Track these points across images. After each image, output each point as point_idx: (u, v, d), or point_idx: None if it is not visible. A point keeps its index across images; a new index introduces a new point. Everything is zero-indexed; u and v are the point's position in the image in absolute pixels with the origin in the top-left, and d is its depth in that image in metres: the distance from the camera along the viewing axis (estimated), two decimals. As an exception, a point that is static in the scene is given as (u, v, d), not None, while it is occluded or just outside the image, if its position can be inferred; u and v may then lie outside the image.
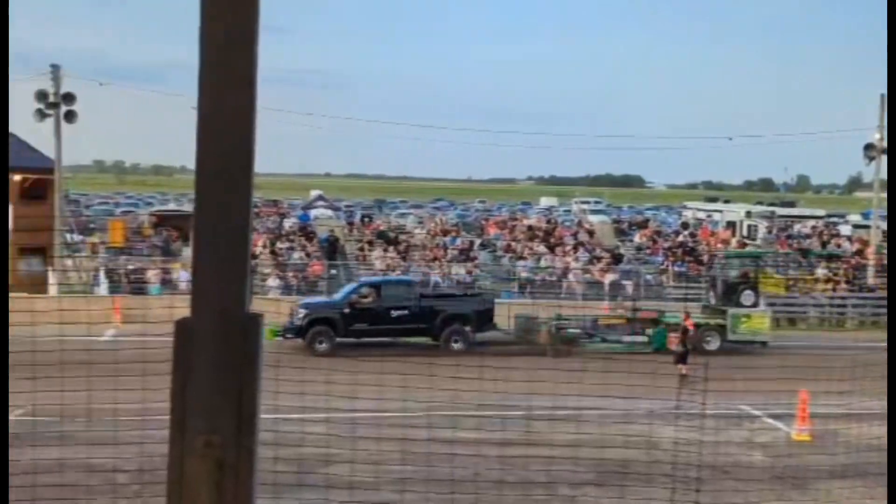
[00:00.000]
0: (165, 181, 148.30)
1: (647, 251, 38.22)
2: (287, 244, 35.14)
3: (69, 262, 32.03)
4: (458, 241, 37.19)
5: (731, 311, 26.57)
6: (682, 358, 20.57)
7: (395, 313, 25.05)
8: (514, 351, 24.12)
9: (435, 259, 34.82)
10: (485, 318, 25.93)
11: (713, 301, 27.98)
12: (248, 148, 2.79)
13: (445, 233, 38.77)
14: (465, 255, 35.63)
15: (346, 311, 24.90)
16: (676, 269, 35.42)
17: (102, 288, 28.95)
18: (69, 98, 31.38)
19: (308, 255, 34.04)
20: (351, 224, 42.01)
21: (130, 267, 31.69)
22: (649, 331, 25.98)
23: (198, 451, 2.74)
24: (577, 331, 25.77)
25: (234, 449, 2.77)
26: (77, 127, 31.77)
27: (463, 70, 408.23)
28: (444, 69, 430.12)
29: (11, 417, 14.94)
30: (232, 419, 2.76)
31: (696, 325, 24.88)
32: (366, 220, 43.52)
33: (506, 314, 26.28)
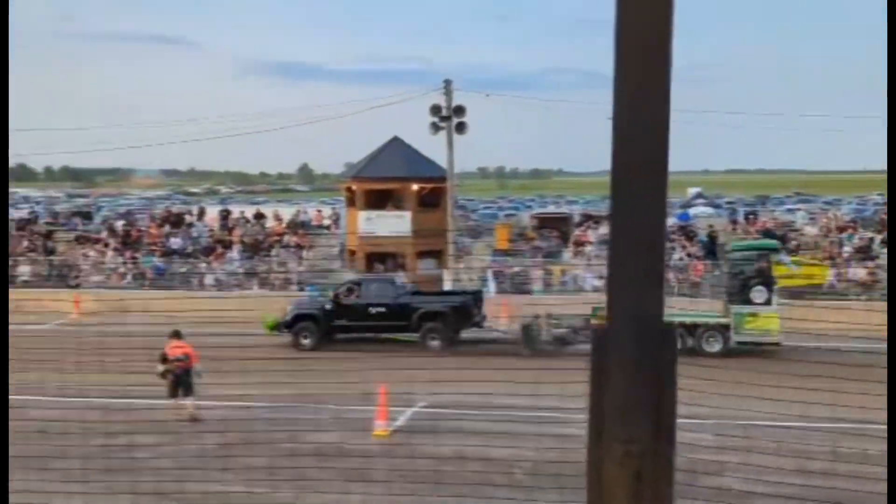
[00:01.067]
0: (543, 184, 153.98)
1: None
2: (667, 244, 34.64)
3: (460, 263, 34.29)
4: (856, 239, 34.24)
5: (735, 309, 23.56)
6: None
7: (373, 310, 24.98)
8: (489, 350, 23.05)
9: (829, 258, 32.36)
10: (463, 316, 24.88)
11: (724, 297, 24.80)
12: (662, 151, 2.72)
13: (841, 230, 35.90)
14: (865, 253, 32.69)
15: (328, 307, 25.45)
16: None
17: (490, 288, 30.59)
18: (460, 111, 33.60)
19: (689, 255, 33.31)
20: (734, 222, 40.43)
21: (515, 269, 33.19)
22: None
23: (616, 459, 2.72)
24: (564, 330, 23.41)
25: (651, 458, 2.72)
26: (466, 137, 33.92)
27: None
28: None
29: (417, 409, 16.50)
30: (649, 428, 2.71)
31: (696, 325, 23.12)
32: (750, 217, 41.75)
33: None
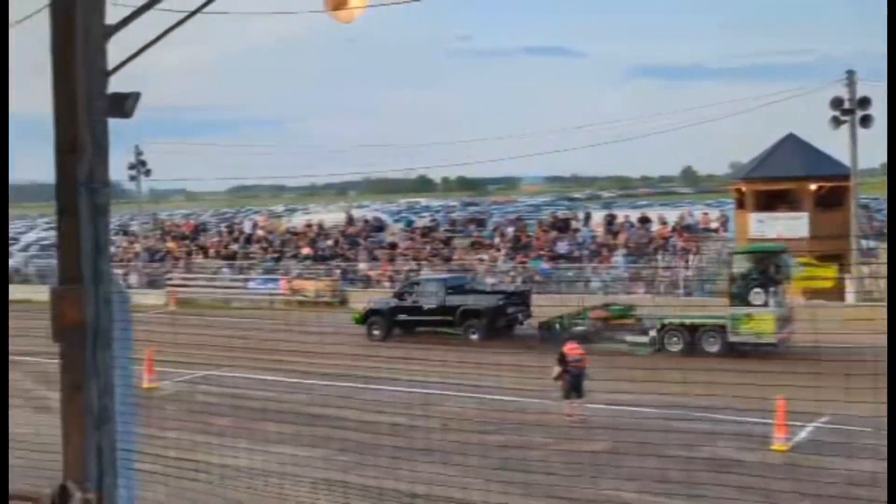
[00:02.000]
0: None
1: None
2: None
3: (865, 269, 31.29)
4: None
5: (731, 311, 23.97)
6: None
7: (425, 307, 28.44)
8: (513, 344, 25.04)
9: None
10: (498, 314, 27.73)
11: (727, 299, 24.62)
12: None
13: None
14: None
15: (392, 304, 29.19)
16: None
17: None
18: (864, 102, 30.73)
19: None
20: None
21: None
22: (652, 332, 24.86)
23: None
24: (583, 328, 25.63)
25: None
26: (870, 131, 30.93)
27: None
28: None
29: (815, 425, 15.20)
30: None
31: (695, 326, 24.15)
32: None
33: None
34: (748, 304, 23.63)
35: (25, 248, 56.07)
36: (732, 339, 23.62)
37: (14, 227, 78.62)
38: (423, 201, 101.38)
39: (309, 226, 46.64)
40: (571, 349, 17.26)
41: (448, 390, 16.35)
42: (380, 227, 46.29)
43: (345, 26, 5.55)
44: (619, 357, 20.02)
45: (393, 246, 40.90)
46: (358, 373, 18.73)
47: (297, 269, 39.93)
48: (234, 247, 44.45)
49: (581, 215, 42.81)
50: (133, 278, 41.84)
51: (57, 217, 5.14)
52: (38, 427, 8.16)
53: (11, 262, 48.94)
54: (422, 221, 51.34)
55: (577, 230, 39.16)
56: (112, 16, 5.21)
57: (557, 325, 26.03)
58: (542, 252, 36.62)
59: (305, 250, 42.03)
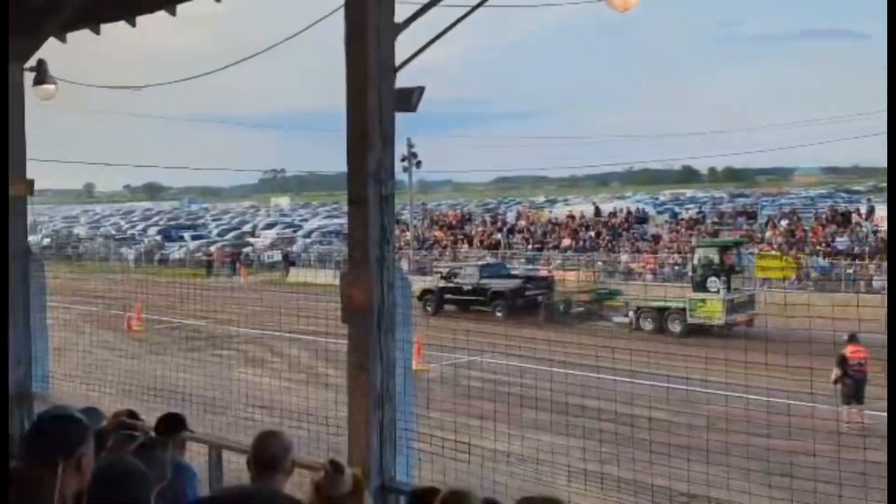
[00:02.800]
0: None
1: None
2: None
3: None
4: None
5: (689, 296, 27.82)
6: None
7: (465, 288, 33.40)
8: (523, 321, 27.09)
9: None
10: (517, 294, 32.21)
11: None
12: None
13: None
14: None
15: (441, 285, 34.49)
16: None
17: None
18: None
19: None
20: None
21: None
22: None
23: None
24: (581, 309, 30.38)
25: None
26: None
27: None
28: None
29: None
30: None
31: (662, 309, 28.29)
32: None
33: None
34: (706, 290, 27.55)
35: (307, 235, 60.42)
36: (691, 321, 27.33)
37: (299, 215, 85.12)
38: (689, 192, 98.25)
39: (570, 217, 46.71)
40: (854, 352, 16.00)
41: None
42: (643, 218, 45.46)
43: (605, 15, 5.45)
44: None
45: (656, 238, 40.00)
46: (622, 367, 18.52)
47: (558, 259, 40.14)
48: (498, 236, 45.41)
49: (863, 209, 39.70)
50: (404, 264, 43.97)
51: (349, 206, 5.45)
52: (326, 403, 8.71)
53: (294, 247, 52.96)
54: (687, 213, 49.82)
55: (857, 224, 36.35)
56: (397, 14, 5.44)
57: (561, 306, 30.96)
58: (818, 247, 34.34)
59: (566, 241, 42.13)
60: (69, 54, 8.46)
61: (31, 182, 7.41)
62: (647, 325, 28.10)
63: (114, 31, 7.94)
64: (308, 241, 57.19)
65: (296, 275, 43.66)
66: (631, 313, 28.77)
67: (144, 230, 71.69)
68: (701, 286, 27.70)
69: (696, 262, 29.02)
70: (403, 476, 5.45)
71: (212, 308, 21.97)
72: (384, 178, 5.36)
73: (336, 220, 73.31)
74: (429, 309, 33.06)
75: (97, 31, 8.13)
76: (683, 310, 27.54)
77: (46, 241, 60.68)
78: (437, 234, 48.38)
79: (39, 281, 7.64)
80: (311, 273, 40.79)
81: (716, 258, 28.17)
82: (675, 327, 27.48)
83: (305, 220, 75.56)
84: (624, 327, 28.07)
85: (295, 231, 63.95)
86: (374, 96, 5.23)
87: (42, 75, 7.85)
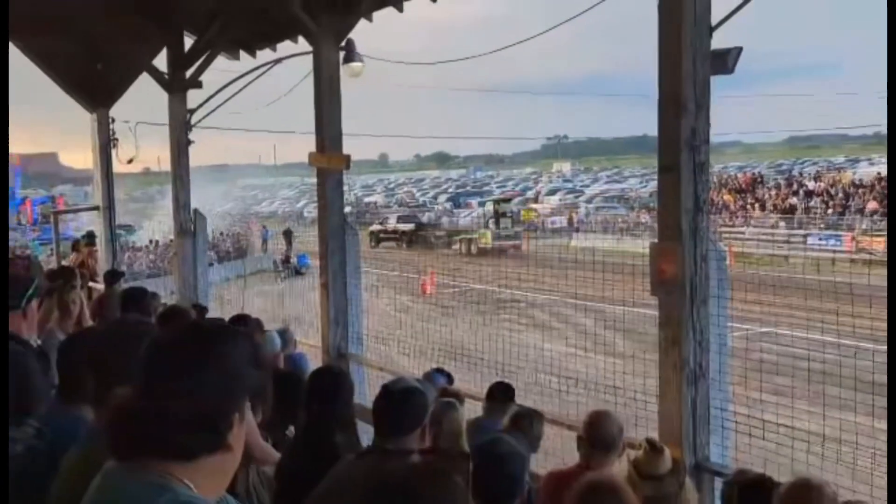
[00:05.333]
0: None
1: None
2: None
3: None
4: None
5: (481, 230, 43.88)
6: None
7: None
8: None
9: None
10: None
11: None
12: None
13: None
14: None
15: None
16: None
17: None
18: None
19: None
20: None
21: None
22: None
23: None
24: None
25: None
26: None
27: None
28: None
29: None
30: None
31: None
32: None
33: None
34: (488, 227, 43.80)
35: (589, 201, 60.25)
36: (479, 245, 41.24)
37: (580, 180, 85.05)
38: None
39: (879, 178, 42.84)
40: None
41: None
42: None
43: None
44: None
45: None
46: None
47: (863, 224, 37.00)
48: (793, 200, 42.68)
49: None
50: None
51: (659, 174, 5.25)
52: (613, 372, 8.55)
53: (577, 213, 53.05)
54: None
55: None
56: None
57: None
58: None
59: (872, 205, 38.71)
60: (374, 31, 8.86)
61: (348, 157, 7.84)
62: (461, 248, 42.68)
63: (415, 7, 8.23)
64: (591, 205, 57.01)
65: (579, 240, 43.81)
66: (456, 243, 43.58)
67: (435, 197, 74.83)
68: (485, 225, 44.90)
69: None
70: (718, 458, 5.21)
71: (496, 273, 22.64)
72: (698, 144, 5.10)
73: (617, 185, 72.39)
74: None
75: (400, 9, 8.46)
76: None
77: (347, 208, 65.01)
78: (727, 197, 46.31)
79: (354, 248, 8.13)
80: (596, 237, 40.71)
81: None
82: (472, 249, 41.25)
83: (587, 185, 75.34)
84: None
85: (577, 197, 63.95)
86: (689, 59, 4.96)
87: (350, 54, 8.28)
